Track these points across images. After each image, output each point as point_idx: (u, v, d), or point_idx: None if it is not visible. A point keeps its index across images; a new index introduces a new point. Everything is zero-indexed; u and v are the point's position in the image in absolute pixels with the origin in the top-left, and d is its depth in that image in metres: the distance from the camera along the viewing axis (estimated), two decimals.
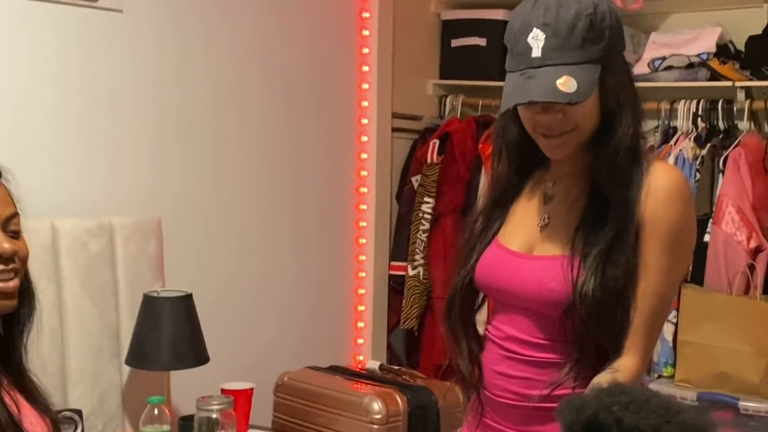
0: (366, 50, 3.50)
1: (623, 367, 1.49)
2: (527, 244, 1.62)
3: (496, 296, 1.68)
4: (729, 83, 3.05)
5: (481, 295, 1.74)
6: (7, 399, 1.45)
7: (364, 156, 3.53)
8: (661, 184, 1.53)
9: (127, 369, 2.58)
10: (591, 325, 1.51)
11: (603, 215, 1.54)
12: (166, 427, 2.41)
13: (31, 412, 1.52)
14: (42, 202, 2.44)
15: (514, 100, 1.53)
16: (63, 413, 2.34)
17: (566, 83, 1.48)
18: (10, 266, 1.46)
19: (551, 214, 1.61)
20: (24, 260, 1.50)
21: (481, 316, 1.75)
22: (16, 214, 1.50)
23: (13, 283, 1.46)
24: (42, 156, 2.55)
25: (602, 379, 1.45)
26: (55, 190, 2.55)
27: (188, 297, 2.56)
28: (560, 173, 1.63)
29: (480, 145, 3.43)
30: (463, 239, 1.72)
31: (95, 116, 2.69)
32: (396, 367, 3.16)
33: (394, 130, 3.61)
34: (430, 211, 3.49)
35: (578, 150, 1.57)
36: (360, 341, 3.51)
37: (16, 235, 1.49)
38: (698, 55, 3.06)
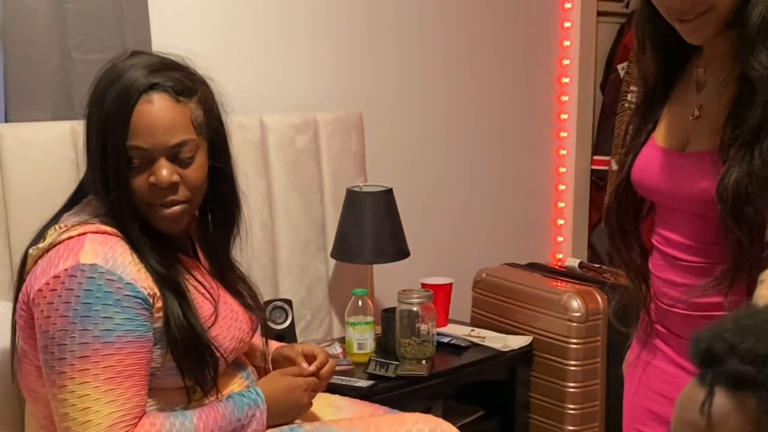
0: None
1: None
2: (681, 140, 1.50)
3: (653, 199, 1.57)
4: None
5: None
6: (206, 303, 1.52)
7: (566, 43, 3.37)
8: None
9: (332, 262, 2.66)
10: (731, 223, 1.37)
11: (754, 99, 1.37)
12: (370, 319, 2.50)
13: (233, 301, 1.60)
14: (251, 99, 2.51)
15: None
16: (274, 303, 2.47)
17: None
18: (168, 198, 1.45)
19: (703, 104, 1.48)
20: (193, 188, 1.47)
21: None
22: (186, 142, 1.45)
23: (178, 209, 1.46)
24: (249, 54, 2.60)
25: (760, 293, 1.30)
26: (262, 87, 2.61)
27: (389, 192, 2.58)
28: (711, 56, 1.48)
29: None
30: (622, 140, 1.63)
31: (295, 14, 2.69)
32: (596, 266, 3.09)
33: (599, 14, 3.41)
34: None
35: (724, 28, 1.41)
36: (560, 239, 3.44)
37: (187, 162, 1.45)
38: None
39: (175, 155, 1.44)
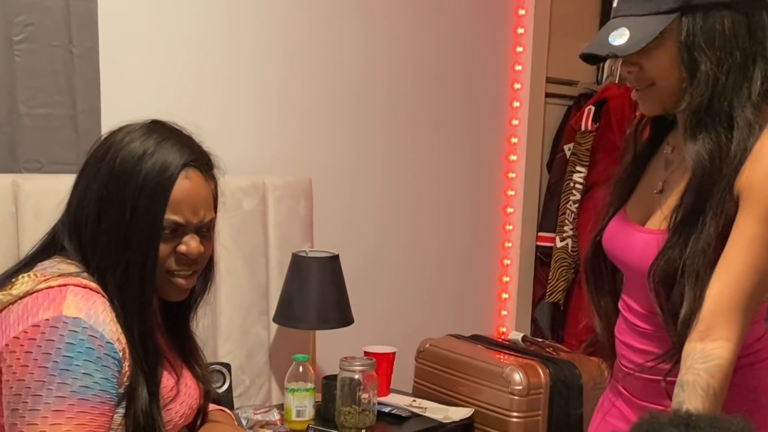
0: (522, 11, 3.40)
1: (716, 356, 1.36)
2: (645, 214, 1.56)
3: (617, 265, 1.63)
4: None
5: None
6: (168, 377, 1.51)
7: (515, 122, 3.45)
8: (766, 150, 1.39)
9: (274, 327, 2.64)
10: (655, 301, 1.45)
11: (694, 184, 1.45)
12: (310, 385, 2.47)
13: (188, 374, 1.58)
14: None
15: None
16: (212, 366, 2.43)
17: (618, 35, 1.43)
18: (192, 269, 1.49)
19: (667, 181, 1.55)
20: (207, 259, 1.53)
21: None
22: (213, 219, 1.51)
23: (191, 282, 1.50)
24: (198, 114, 2.54)
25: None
26: (210, 148, 2.60)
27: (335, 258, 2.58)
28: (679, 137, 1.54)
29: (638, 112, 3.29)
30: (600, 206, 1.69)
31: (248, 78, 2.72)
32: (539, 340, 3.11)
33: (547, 95, 3.52)
34: (581, 180, 3.38)
35: (675, 108, 1.49)
36: (504, 313, 3.46)
37: (208, 235, 1.51)
38: None
39: (202, 230, 1.48)
